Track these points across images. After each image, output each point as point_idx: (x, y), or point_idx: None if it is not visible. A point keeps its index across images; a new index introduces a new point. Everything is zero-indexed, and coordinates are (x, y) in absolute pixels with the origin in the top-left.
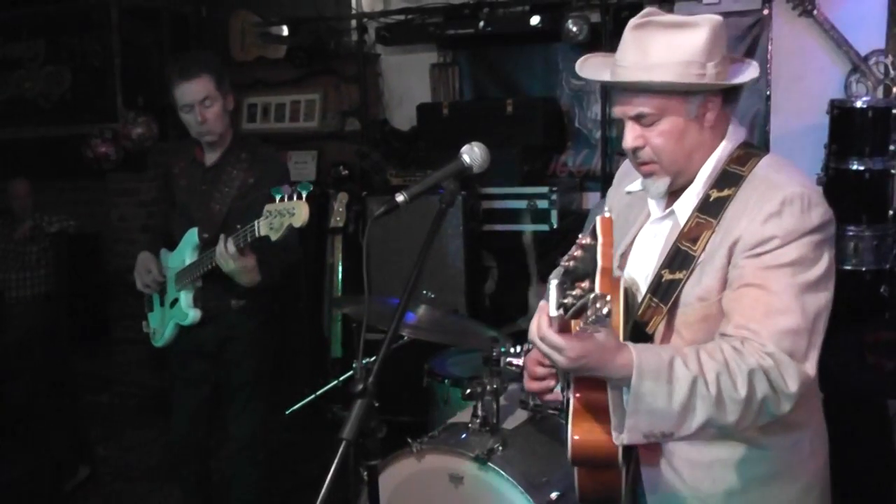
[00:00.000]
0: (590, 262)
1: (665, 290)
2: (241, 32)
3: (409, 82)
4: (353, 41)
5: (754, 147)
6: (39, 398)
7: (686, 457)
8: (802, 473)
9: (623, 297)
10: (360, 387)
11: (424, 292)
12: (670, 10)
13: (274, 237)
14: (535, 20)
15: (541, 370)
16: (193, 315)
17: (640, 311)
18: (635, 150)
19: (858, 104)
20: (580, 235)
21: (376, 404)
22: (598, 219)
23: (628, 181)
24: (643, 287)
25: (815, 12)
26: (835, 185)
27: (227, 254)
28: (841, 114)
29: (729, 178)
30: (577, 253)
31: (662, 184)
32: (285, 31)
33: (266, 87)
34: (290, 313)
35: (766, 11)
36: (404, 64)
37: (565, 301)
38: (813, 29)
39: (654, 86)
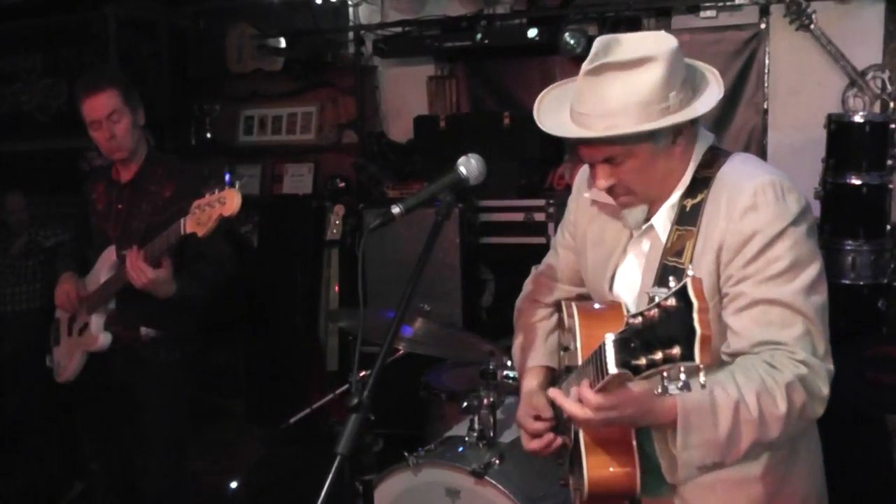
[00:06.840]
0: (674, 326)
1: None
2: (238, 45)
3: (406, 95)
4: (351, 54)
5: (720, 149)
6: (34, 413)
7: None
8: (801, 487)
9: None
10: (355, 401)
11: (421, 305)
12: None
13: (202, 232)
14: (532, 33)
15: (538, 425)
16: (104, 339)
17: None
18: (608, 189)
19: (856, 119)
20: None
21: (372, 418)
22: (689, 280)
23: (586, 188)
24: (632, 307)
25: (812, 27)
26: (832, 199)
27: (137, 265)
28: (838, 128)
29: (699, 184)
30: (654, 313)
31: (640, 212)
32: (283, 43)
33: (263, 100)
34: (287, 326)
35: (763, 26)
36: (401, 76)
37: (638, 362)
38: (810, 43)
39: (617, 140)
